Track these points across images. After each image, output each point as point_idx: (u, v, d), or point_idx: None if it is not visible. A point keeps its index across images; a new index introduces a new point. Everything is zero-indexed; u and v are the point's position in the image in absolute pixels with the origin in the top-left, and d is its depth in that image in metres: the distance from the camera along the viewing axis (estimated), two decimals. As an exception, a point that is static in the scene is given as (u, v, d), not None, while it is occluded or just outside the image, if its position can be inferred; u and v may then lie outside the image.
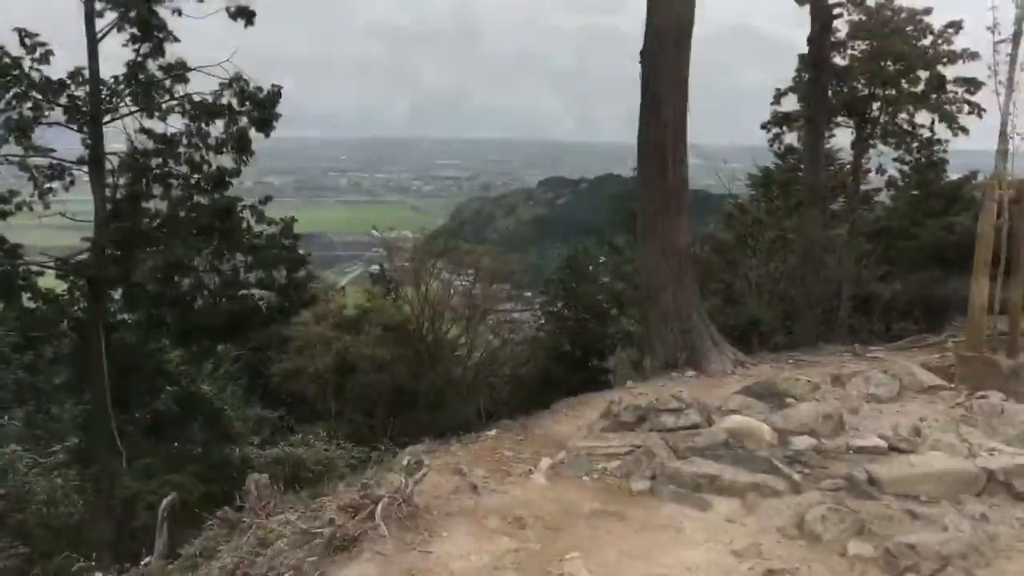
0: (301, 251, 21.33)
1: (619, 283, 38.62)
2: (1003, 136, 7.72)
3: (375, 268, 46.39)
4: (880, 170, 31.97)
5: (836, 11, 17.00)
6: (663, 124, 9.49)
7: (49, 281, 19.92)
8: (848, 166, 31.91)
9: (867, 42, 26.69)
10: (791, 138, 29.78)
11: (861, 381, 6.96)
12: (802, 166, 35.76)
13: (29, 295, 18.98)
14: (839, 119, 28.39)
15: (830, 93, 25.53)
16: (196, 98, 19.69)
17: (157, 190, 19.67)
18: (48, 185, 19.04)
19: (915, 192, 33.53)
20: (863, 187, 36.30)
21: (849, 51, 27.38)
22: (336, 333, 36.73)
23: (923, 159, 29.74)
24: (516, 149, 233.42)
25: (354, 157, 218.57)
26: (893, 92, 27.43)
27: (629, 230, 38.12)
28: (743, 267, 25.38)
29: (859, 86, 27.71)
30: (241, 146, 20.02)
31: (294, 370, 35.88)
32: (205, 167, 20.19)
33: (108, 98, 18.97)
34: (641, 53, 9.54)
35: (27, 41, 17.52)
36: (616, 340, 38.69)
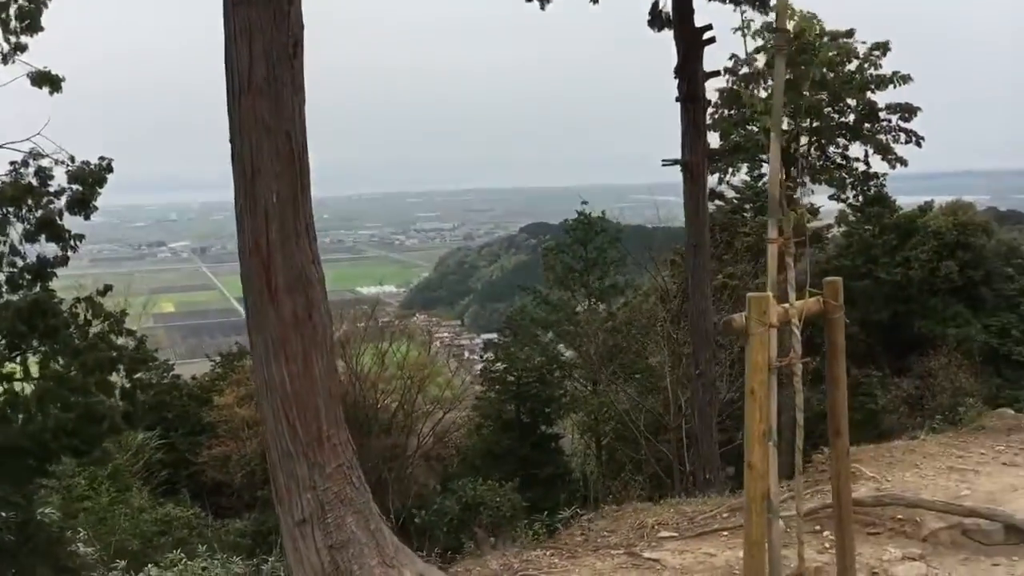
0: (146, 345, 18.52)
1: (559, 342, 36.04)
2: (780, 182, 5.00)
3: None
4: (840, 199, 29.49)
5: (707, 35, 14.45)
6: (262, 214, 6.42)
7: None
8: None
9: (788, 71, 24.34)
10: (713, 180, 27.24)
11: None
12: (747, 206, 33.60)
13: None
14: (764, 156, 25.94)
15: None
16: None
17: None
18: None
19: (868, 227, 31.13)
20: (813, 225, 33.90)
21: (770, 81, 25.03)
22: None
23: (860, 195, 27.20)
24: (499, 198, 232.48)
25: (336, 215, 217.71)
26: (819, 124, 24.98)
27: (564, 285, 35.57)
28: (666, 327, 22.64)
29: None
30: (54, 233, 17.32)
31: (223, 457, 33.38)
32: (18, 260, 17.49)
33: None
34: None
35: None
36: (563, 404, 35.96)
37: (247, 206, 5.91)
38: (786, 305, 4.99)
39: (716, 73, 14.49)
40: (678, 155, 15.37)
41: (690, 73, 14.45)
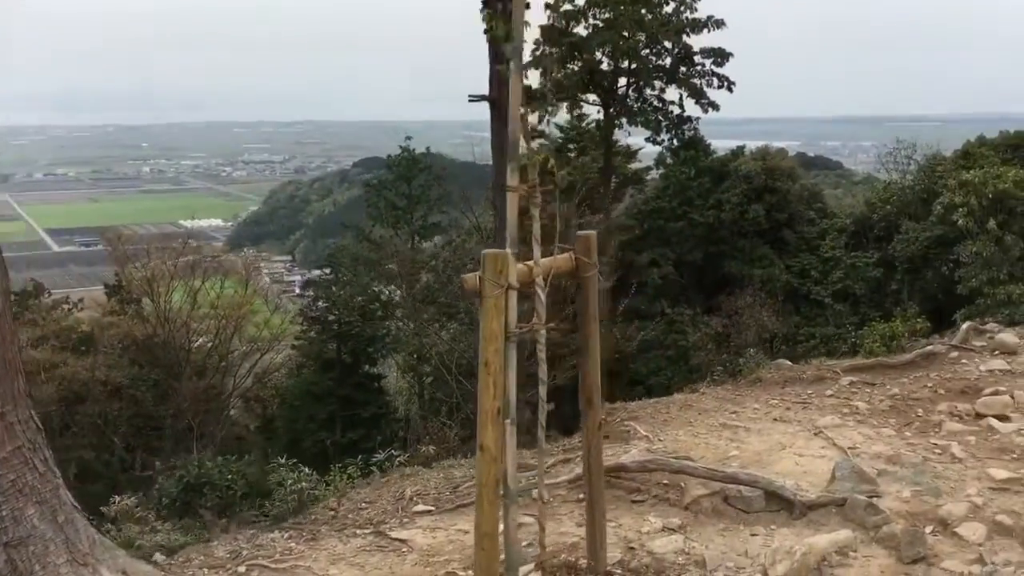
0: None
1: (382, 281, 35.20)
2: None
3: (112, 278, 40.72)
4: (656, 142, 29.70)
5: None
6: None
7: None
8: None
9: (607, 9, 24.09)
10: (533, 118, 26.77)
11: None
12: (571, 146, 33.56)
13: None
14: (584, 96, 25.76)
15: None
16: None
17: None
18: None
19: (684, 170, 31.67)
20: (634, 166, 34.33)
21: (592, 20, 24.76)
22: (62, 357, 31.88)
23: (674, 138, 27.55)
24: (332, 131, 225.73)
25: (157, 144, 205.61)
26: (637, 66, 24.92)
27: (387, 222, 34.61)
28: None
29: (602, 58, 25.12)
30: None
31: (14, 403, 30.89)
32: None
33: None
34: None
35: None
36: (386, 344, 35.31)
37: None
38: (530, 263, 4.45)
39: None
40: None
41: (497, 5, 13.74)
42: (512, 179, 4.36)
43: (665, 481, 6.18)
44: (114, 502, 17.19)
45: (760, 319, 28.15)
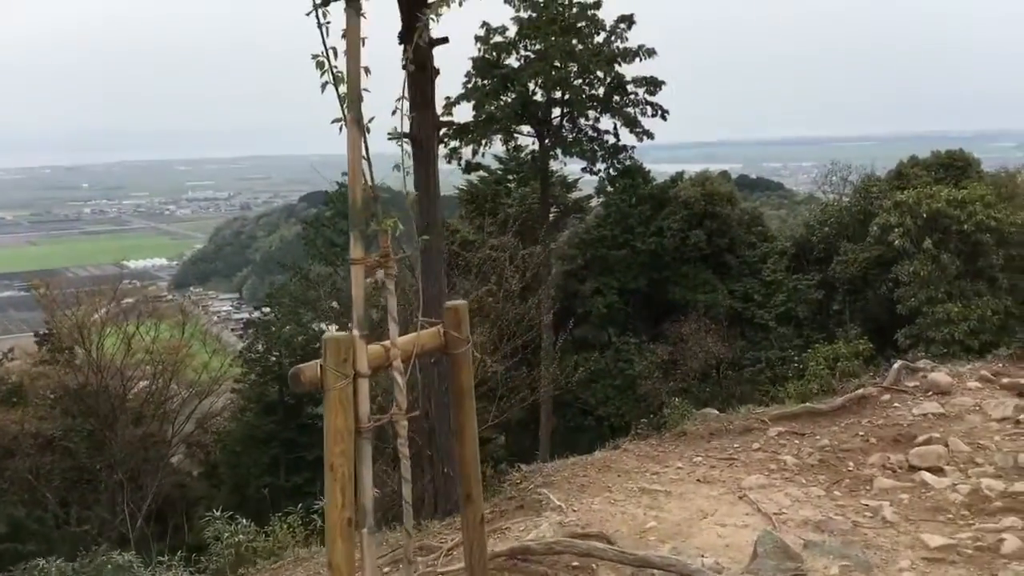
0: None
1: (322, 321, 34.41)
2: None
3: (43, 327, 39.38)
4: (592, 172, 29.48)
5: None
6: None
7: None
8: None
9: (538, 41, 23.84)
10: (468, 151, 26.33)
11: None
12: (510, 178, 33.19)
13: None
14: (519, 127, 25.39)
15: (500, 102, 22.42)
16: None
17: None
18: None
19: (624, 197, 31.50)
20: (574, 196, 34.15)
21: (523, 52, 24.50)
22: (-10, 410, 30.72)
23: (611, 168, 27.30)
24: (277, 166, 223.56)
25: (98, 184, 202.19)
26: (570, 96, 24.67)
27: (326, 260, 33.86)
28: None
29: (535, 89, 24.82)
30: None
31: (-59, 460, 29.59)
32: None
33: None
34: None
35: None
36: (330, 383, 34.44)
37: None
38: (386, 343, 3.88)
39: (444, 40, 13.30)
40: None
41: (408, 39, 13.20)
42: (356, 250, 3.79)
43: (575, 563, 5.62)
44: (37, 566, 16.13)
45: (706, 345, 27.92)
